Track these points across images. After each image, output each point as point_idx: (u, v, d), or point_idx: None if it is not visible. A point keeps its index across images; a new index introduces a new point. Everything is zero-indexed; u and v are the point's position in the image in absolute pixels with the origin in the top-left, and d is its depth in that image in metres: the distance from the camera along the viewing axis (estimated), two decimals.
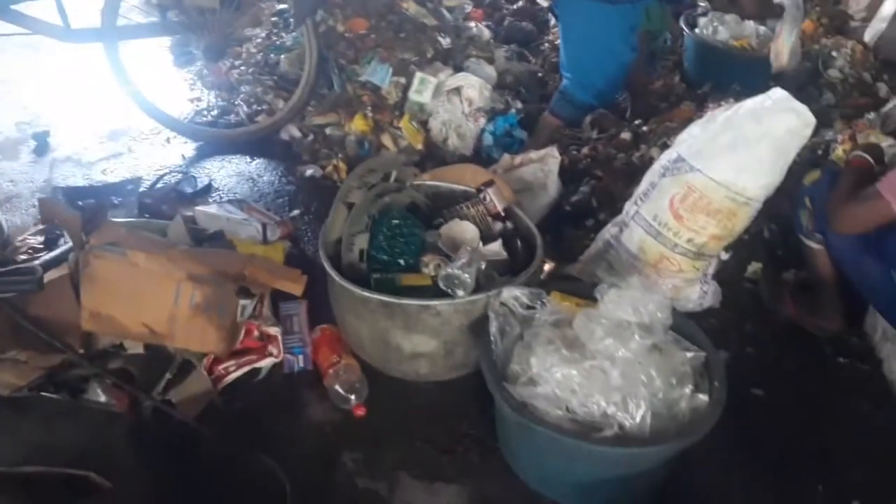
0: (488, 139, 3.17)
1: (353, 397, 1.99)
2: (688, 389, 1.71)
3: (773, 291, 2.46)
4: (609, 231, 2.49)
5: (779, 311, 2.40)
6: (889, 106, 3.15)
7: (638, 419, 1.63)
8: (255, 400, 2.02)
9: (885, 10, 4.09)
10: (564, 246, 2.71)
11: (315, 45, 3.06)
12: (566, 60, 2.90)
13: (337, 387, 2.01)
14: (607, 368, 1.69)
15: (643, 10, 2.84)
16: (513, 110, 3.32)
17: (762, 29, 3.72)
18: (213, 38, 3.07)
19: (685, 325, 1.92)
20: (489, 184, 2.26)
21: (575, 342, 1.79)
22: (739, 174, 2.13)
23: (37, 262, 1.88)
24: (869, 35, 4.11)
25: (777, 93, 2.13)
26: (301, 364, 2.11)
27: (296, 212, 2.81)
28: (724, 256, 2.61)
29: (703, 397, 1.71)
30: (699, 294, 2.38)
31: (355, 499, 1.80)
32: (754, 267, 2.59)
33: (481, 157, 3.13)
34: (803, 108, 2.08)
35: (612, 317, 1.79)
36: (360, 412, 1.98)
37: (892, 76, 3.77)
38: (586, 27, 2.76)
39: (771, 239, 2.64)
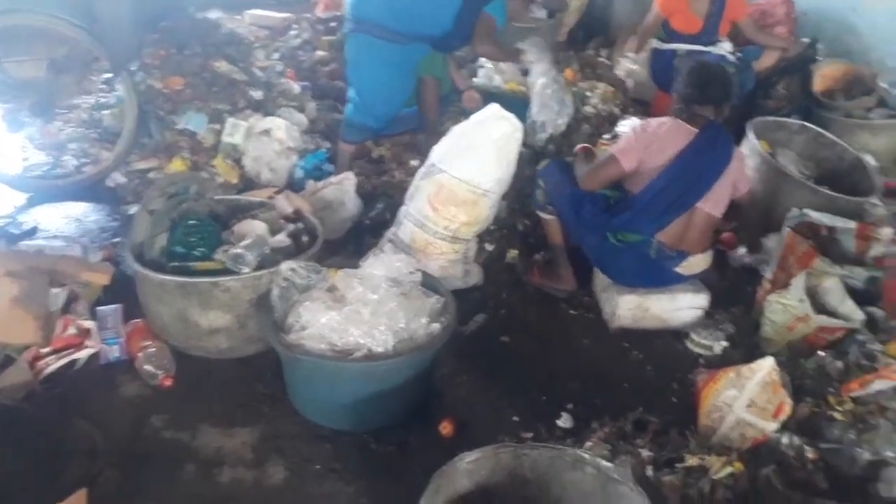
0: (300, 173, 3.66)
1: (160, 372, 2.33)
2: (425, 321, 2.20)
3: (524, 266, 3.05)
4: (390, 231, 3.02)
5: (528, 280, 2.99)
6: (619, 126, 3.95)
7: (382, 343, 2.09)
8: (75, 386, 2.31)
9: (640, 61, 5.04)
10: (364, 252, 3.19)
11: (134, 100, 3.49)
12: (354, 92, 3.46)
13: (146, 366, 2.34)
14: (360, 310, 2.16)
15: (422, 54, 3.45)
16: (323, 149, 3.85)
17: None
18: (39, 99, 3.42)
19: (437, 284, 2.44)
20: (279, 192, 2.73)
21: (340, 298, 2.26)
22: (474, 171, 2.73)
23: None
24: (630, 81, 5.03)
25: (493, 106, 2.78)
26: (117, 354, 2.43)
27: (117, 239, 3.13)
28: (489, 247, 3.21)
29: (437, 325, 2.21)
30: (463, 272, 2.92)
31: (161, 447, 2.13)
32: (512, 253, 3.18)
33: (294, 188, 3.59)
34: (512, 116, 2.75)
35: (366, 273, 2.29)
36: (168, 382, 2.32)
37: (637, 110, 4.65)
38: (374, 63, 3.34)
39: (524, 231, 3.26)
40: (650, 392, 2.44)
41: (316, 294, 2.26)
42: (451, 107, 4.36)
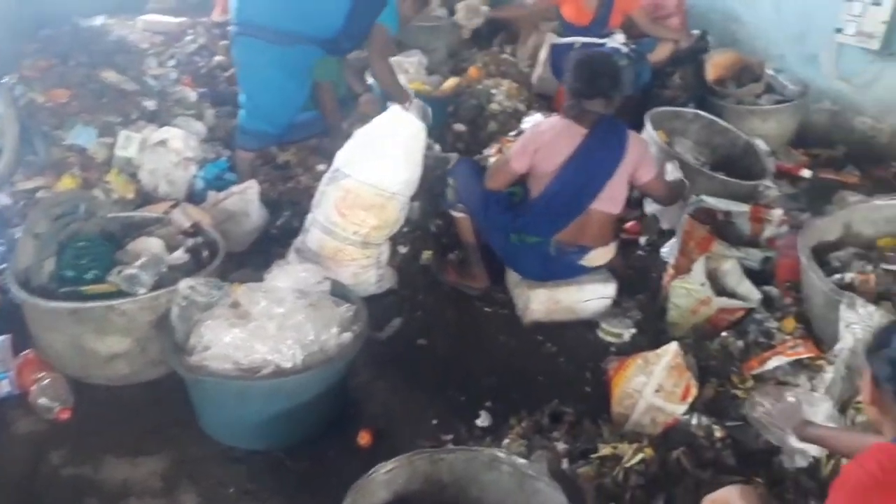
0: (200, 184, 3.52)
1: (57, 405, 2.19)
2: (335, 331, 2.15)
3: (438, 265, 3.04)
4: (297, 240, 2.94)
5: (443, 279, 2.98)
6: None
7: (290, 358, 2.03)
8: None
9: (542, 57, 5.10)
10: (271, 264, 3.10)
11: (14, 117, 3.26)
12: (245, 97, 3.36)
13: (41, 399, 2.20)
14: (266, 325, 2.09)
15: (313, 57, 3.37)
16: (223, 158, 3.72)
17: (434, 77, 4.53)
18: None
19: (346, 292, 2.40)
20: (175, 206, 2.61)
21: (244, 314, 2.18)
22: (381, 175, 2.70)
23: None
24: (534, 77, 5.10)
25: (394, 108, 2.76)
26: (7, 389, 2.27)
27: (3, 265, 2.92)
28: (403, 250, 3.18)
29: (349, 335, 2.16)
30: (377, 277, 2.89)
31: (61, 484, 2.00)
32: (427, 254, 3.16)
33: (195, 200, 3.46)
34: (413, 118, 2.72)
35: (271, 286, 2.22)
36: (65, 415, 2.18)
37: (542, 105, 4.72)
38: (262, 65, 3.24)
39: (438, 231, 3.25)
40: (564, 383, 2.47)
41: (218, 311, 2.17)
42: (355, 110, 4.32)
